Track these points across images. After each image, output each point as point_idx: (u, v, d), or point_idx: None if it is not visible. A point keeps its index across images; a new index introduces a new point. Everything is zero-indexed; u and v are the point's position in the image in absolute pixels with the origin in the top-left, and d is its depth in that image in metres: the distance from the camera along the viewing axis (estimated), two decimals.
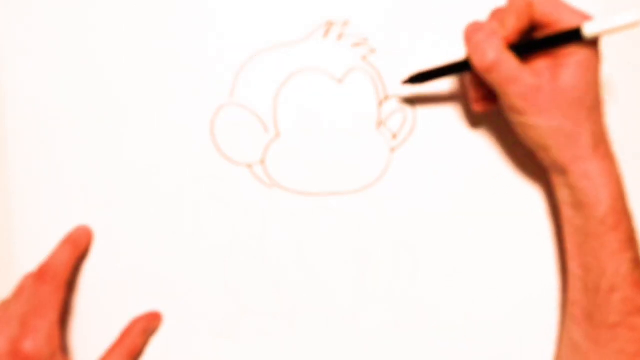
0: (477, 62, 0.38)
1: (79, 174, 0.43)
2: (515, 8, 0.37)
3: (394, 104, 0.43)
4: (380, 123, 0.43)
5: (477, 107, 0.41)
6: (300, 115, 0.43)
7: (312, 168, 0.43)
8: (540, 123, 0.37)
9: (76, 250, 0.41)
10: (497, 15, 0.39)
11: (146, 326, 0.43)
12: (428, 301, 0.44)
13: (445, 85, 0.43)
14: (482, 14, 0.42)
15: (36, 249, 0.42)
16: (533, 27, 0.38)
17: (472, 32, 0.38)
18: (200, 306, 0.43)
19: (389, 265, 0.44)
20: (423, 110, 0.43)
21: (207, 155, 0.43)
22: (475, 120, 0.44)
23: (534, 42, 0.38)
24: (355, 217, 0.44)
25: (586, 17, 0.37)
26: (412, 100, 0.43)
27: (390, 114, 0.43)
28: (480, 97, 0.41)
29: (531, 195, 0.44)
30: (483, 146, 0.44)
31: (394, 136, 0.43)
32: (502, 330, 0.44)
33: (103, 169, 0.43)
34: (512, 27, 0.38)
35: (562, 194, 0.39)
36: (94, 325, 0.43)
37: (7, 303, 0.40)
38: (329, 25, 0.43)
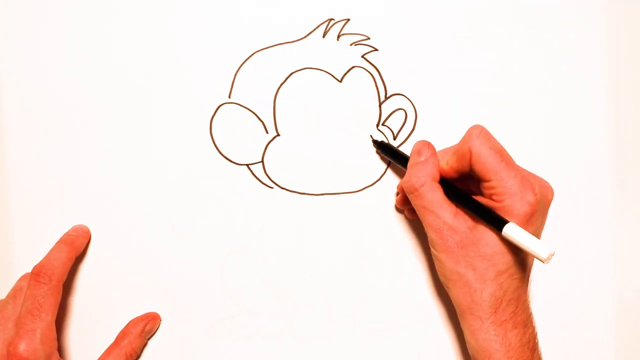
0: (404, 182, 0.38)
1: (78, 174, 0.43)
2: (457, 150, 0.37)
3: (394, 104, 0.43)
4: (380, 123, 0.43)
5: (408, 215, 0.42)
6: (300, 115, 0.43)
7: (311, 168, 0.43)
8: (446, 261, 0.37)
9: (73, 250, 0.41)
10: (447, 150, 0.39)
11: (144, 327, 0.42)
12: (427, 301, 0.44)
13: (446, 85, 0.43)
14: (482, 14, 0.42)
15: (34, 249, 0.42)
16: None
17: (415, 152, 0.39)
18: (199, 306, 0.43)
19: (388, 265, 0.44)
20: (423, 110, 0.43)
21: (206, 155, 0.43)
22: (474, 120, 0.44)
23: (464, 196, 0.37)
24: (355, 217, 0.43)
25: (525, 194, 0.35)
26: (413, 100, 0.43)
27: (390, 114, 0.43)
28: (404, 204, 0.42)
29: None
30: None
31: (395, 136, 0.43)
32: None
33: (101, 169, 0.43)
34: (451, 166, 0.38)
35: (464, 335, 0.39)
36: (91, 326, 0.43)
37: (3, 304, 0.40)
38: (329, 24, 0.43)
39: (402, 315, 0.44)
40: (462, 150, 0.37)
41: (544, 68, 0.44)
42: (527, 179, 0.36)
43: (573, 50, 0.44)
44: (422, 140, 0.40)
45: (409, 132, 0.43)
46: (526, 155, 0.43)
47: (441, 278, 0.39)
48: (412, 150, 0.39)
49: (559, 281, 0.44)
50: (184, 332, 0.43)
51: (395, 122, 0.43)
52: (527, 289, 0.38)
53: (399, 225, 0.44)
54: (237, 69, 0.43)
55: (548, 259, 0.33)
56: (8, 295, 0.40)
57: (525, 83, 0.44)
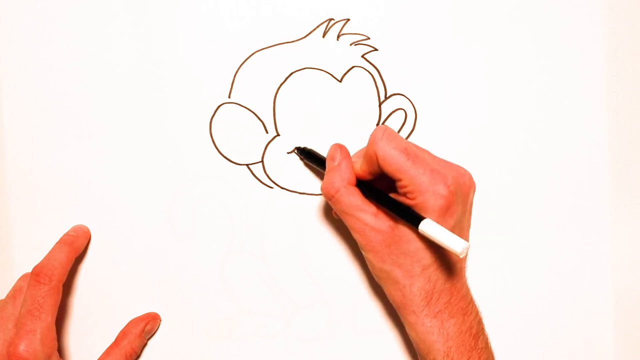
0: (322, 188, 0.38)
1: (78, 174, 0.43)
2: (365, 154, 0.37)
3: (394, 104, 0.43)
4: (380, 123, 0.43)
5: (334, 215, 0.41)
6: (300, 115, 0.43)
7: (311, 168, 0.43)
8: (373, 261, 0.38)
9: (73, 250, 0.41)
10: (358, 153, 0.39)
11: (144, 327, 0.42)
12: None
13: (446, 85, 0.43)
14: (482, 14, 0.42)
15: (34, 249, 0.42)
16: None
17: (329, 157, 0.39)
18: (199, 306, 0.43)
19: None
20: (423, 110, 0.43)
21: (206, 155, 0.43)
22: (474, 120, 0.44)
23: (381, 195, 0.37)
24: None
25: (436, 187, 0.35)
26: (413, 100, 0.43)
27: (390, 114, 0.43)
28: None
29: (530, 194, 0.44)
30: (483, 146, 0.43)
31: None
32: (500, 329, 0.43)
33: (101, 170, 0.43)
34: (363, 169, 0.38)
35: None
36: (91, 326, 0.43)
37: (3, 304, 0.40)
38: (329, 24, 0.43)
39: None
40: (369, 153, 0.37)
41: (543, 68, 0.44)
42: (438, 172, 0.35)
43: (573, 50, 0.44)
44: (335, 144, 0.39)
45: (409, 132, 0.43)
46: (526, 155, 0.43)
47: (374, 277, 0.39)
48: (327, 155, 0.39)
49: (559, 281, 0.44)
50: (184, 332, 0.43)
51: (395, 122, 0.43)
52: (461, 278, 0.38)
53: None
54: (237, 69, 0.43)
55: (462, 252, 0.33)
56: (8, 296, 0.40)
57: (525, 83, 0.44)
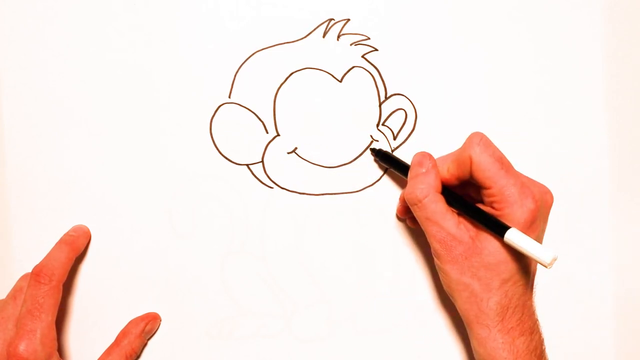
0: (407, 194, 0.38)
1: (78, 174, 0.43)
2: (457, 157, 0.38)
3: (394, 104, 0.43)
4: (380, 123, 0.43)
5: (409, 224, 0.43)
6: (300, 115, 0.43)
7: (311, 168, 0.43)
8: (451, 272, 0.37)
9: (73, 250, 0.41)
10: (447, 157, 0.39)
11: (144, 327, 0.42)
12: (426, 301, 0.44)
13: (446, 85, 0.43)
14: (482, 14, 0.42)
15: (34, 249, 0.42)
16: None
17: (416, 163, 0.39)
18: (199, 306, 0.43)
19: (388, 265, 0.44)
20: (423, 110, 0.43)
21: (206, 155, 0.43)
22: (474, 120, 0.44)
23: (466, 204, 0.38)
24: (355, 217, 0.43)
25: (525, 201, 0.36)
26: (413, 100, 0.43)
27: (390, 114, 0.43)
28: (405, 214, 0.42)
29: None
30: None
31: (395, 136, 0.43)
32: None
33: (101, 169, 0.43)
34: (451, 172, 0.38)
35: (471, 344, 0.39)
36: (91, 326, 0.43)
37: (3, 304, 0.40)
38: (329, 24, 0.43)
39: (401, 316, 0.44)
40: (462, 157, 0.37)
41: (543, 68, 0.44)
42: (527, 186, 0.36)
43: (573, 50, 0.44)
44: (422, 152, 0.40)
45: (409, 132, 0.43)
46: (526, 155, 0.43)
47: (446, 289, 0.39)
48: (413, 161, 0.39)
49: (559, 282, 0.44)
50: (184, 332, 0.43)
51: (395, 122, 0.43)
52: (532, 296, 0.38)
53: (398, 225, 0.44)
54: (237, 69, 0.43)
55: (551, 263, 0.33)
56: (8, 296, 0.40)
57: (525, 83, 0.44)
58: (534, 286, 0.39)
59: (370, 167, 0.43)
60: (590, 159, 0.44)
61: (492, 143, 0.37)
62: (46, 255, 0.40)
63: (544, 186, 0.38)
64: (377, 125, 0.43)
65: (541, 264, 0.34)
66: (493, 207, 0.37)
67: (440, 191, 0.38)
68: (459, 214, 0.38)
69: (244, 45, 0.43)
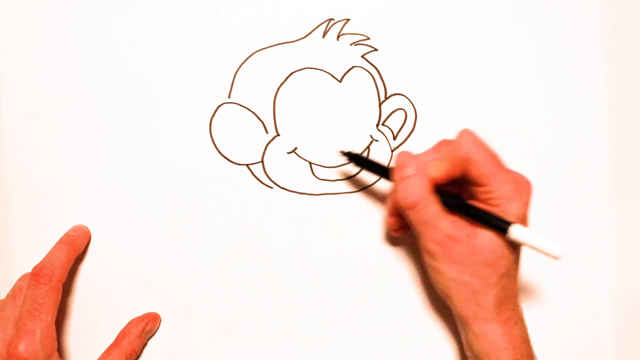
0: (400, 198, 0.37)
1: (78, 174, 0.43)
2: (450, 156, 0.37)
3: (394, 104, 0.43)
4: (380, 123, 0.43)
5: (394, 233, 0.42)
6: (300, 115, 0.43)
7: (311, 168, 0.43)
8: (449, 272, 0.37)
9: (73, 250, 0.41)
10: (434, 152, 0.38)
11: (144, 327, 0.42)
12: (426, 301, 0.44)
13: (446, 85, 0.43)
14: (482, 14, 0.42)
15: (34, 249, 0.42)
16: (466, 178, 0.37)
17: (403, 163, 0.38)
18: (199, 306, 0.43)
19: (388, 265, 0.44)
20: (423, 110, 0.43)
21: (206, 155, 0.43)
22: (474, 120, 0.44)
23: (464, 203, 0.37)
24: (355, 217, 0.43)
25: (521, 195, 0.36)
26: (413, 100, 0.43)
27: (390, 114, 0.43)
28: (397, 224, 0.41)
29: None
30: None
31: (395, 136, 0.43)
32: None
33: (101, 169, 0.43)
34: (443, 172, 0.37)
35: (465, 344, 0.39)
36: (91, 326, 0.43)
37: (2, 304, 0.40)
38: (329, 24, 0.43)
39: (402, 316, 0.44)
40: (456, 156, 0.36)
41: (544, 68, 0.44)
42: (518, 181, 0.36)
43: (573, 50, 0.44)
44: (404, 152, 0.38)
45: (409, 132, 0.43)
46: (526, 155, 0.43)
47: (440, 288, 0.39)
48: (397, 163, 0.38)
49: (558, 281, 0.44)
50: (184, 332, 0.43)
51: (395, 122, 0.43)
52: (517, 284, 0.39)
53: None
54: (237, 69, 0.43)
55: (561, 255, 0.34)
56: (7, 296, 0.40)
57: (525, 83, 0.44)
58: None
59: None
60: (590, 159, 0.44)
61: (481, 139, 0.37)
62: (46, 255, 0.40)
63: (523, 175, 0.38)
64: (377, 125, 0.43)
65: (551, 258, 0.34)
66: (489, 204, 0.36)
67: (433, 192, 0.37)
68: (451, 213, 0.37)
69: (243, 45, 0.43)
